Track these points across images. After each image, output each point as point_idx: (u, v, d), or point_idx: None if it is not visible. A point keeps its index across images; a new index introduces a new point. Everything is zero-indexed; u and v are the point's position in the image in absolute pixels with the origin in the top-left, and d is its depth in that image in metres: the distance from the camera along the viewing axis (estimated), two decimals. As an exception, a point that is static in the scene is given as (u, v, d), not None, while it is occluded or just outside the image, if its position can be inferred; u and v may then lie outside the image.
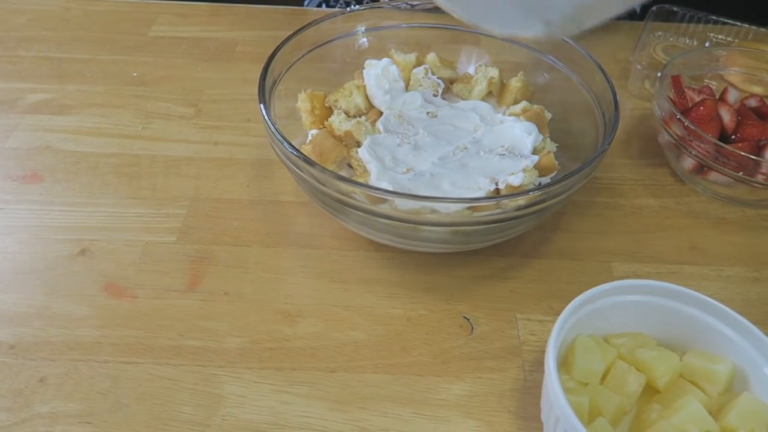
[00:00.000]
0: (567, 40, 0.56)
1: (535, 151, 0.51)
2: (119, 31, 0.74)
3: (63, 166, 0.56)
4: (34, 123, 0.61)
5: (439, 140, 0.51)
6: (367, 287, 0.48)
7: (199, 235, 0.51)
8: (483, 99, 0.57)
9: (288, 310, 0.46)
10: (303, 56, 0.56)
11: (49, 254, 0.49)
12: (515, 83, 0.56)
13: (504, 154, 0.50)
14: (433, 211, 0.42)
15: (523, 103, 0.55)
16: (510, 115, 0.55)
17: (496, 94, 0.58)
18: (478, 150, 0.51)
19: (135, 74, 0.67)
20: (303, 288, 0.47)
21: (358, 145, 0.50)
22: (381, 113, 0.54)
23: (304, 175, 0.45)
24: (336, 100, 0.54)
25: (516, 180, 0.46)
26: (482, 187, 0.47)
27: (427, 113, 0.54)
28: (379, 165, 0.48)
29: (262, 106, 0.48)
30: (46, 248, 0.49)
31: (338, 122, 0.51)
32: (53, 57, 0.69)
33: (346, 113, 0.53)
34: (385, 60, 0.57)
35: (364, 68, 0.56)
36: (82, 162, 0.57)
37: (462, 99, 0.57)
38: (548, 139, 0.53)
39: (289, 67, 0.55)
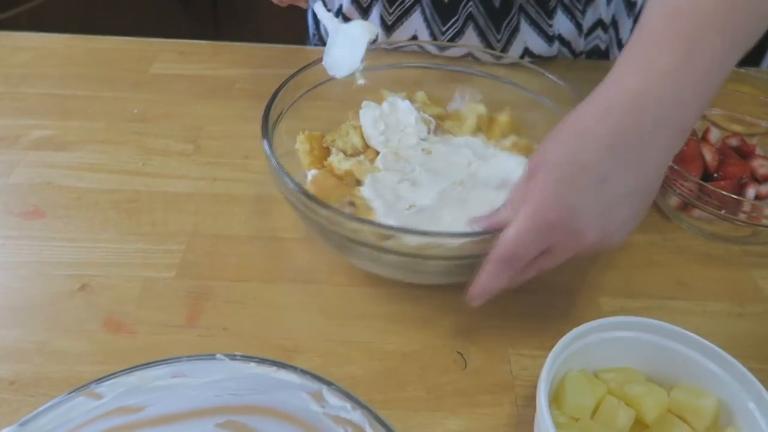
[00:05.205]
0: (555, 78, 0.58)
1: None
2: (121, 69, 0.76)
3: (64, 201, 0.57)
4: (37, 159, 0.62)
5: (436, 176, 0.53)
6: (363, 323, 0.49)
7: (198, 271, 0.52)
8: (472, 134, 0.59)
9: (285, 345, 0.47)
10: (302, 95, 0.58)
11: (49, 290, 0.50)
12: (503, 118, 0.59)
13: (499, 188, 0.52)
14: (439, 245, 0.44)
15: (513, 137, 0.57)
16: (501, 149, 0.57)
17: (484, 129, 0.60)
18: (474, 184, 0.53)
19: (136, 111, 0.69)
20: (300, 323, 0.48)
21: (358, 183, 0.52)
22: (377, 152, 0.56)
23: (312, 215, 0.46)
24: (333, 140, 0.56)
25: None
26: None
27: (422, 150, 0.56)
28: (383, 202, 0.49)
29: (266, 144, 0.49)
30: (46, 284, 0.50)
31: (338, 162, 0.53)
32: (56, 94, 0.71)
33: (343, 152, 0.55)
34: (385, 104, 0.58)
35: (361, 108, 0.58)
36: (83, 198, 0.58)
37: (453, 135, 0.59)
38: None
39: (289, 107, 0.57)
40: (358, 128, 0.56)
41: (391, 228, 0.44)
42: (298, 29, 0.96)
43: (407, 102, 0.59)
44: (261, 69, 0.77)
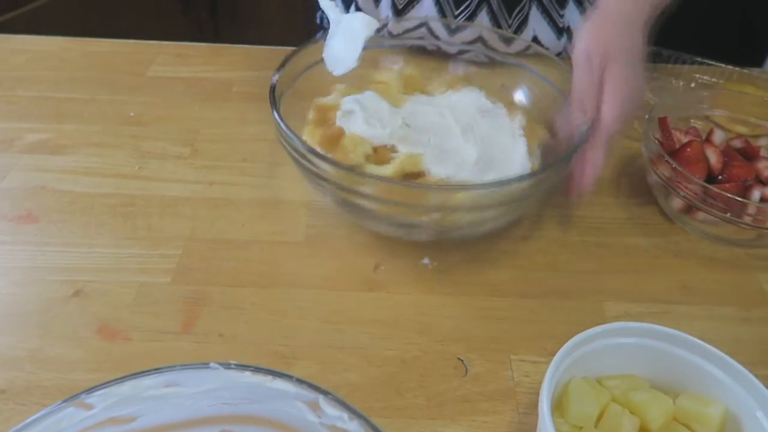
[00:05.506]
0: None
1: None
2: (117, 71, 0.75)
3: (58, 206, 0.57)
4: (31, 163, 0.61)
5: (447, 137, 0.55)
6: (361, 328, 0.48)
7: (194, 276, 0.51)
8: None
9: (283, 351, 0.46)
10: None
11: (43, 296, 0.49)
12: (410, 71, 0.62)
13: (485, 116, 0.58)
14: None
15: (441, 79, 0.62)
16: (443, 94, 0.61)
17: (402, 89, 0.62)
18: (472, 125, 0.57)
19: (132, 114, 0.68)
20: (298, 329, 0.47)
21: (408, 176, 0.52)
22: (385, 146, 0.54)
23: (413, 201, 0.47)
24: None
25: (522, 122, 0.58)
26: (514, 146, 0.56)
27: (406, 126, 0.56)
28: (463, 173, 0.52)
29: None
30: (40, 289, 0.49)
31: (382, 171, 0.52)
32: (52, 97, 0.70)
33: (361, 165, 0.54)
34: (354, 104, 0.56)
35: (338, 118, 0.56)
36: (78, 202, 0.57)
37: (392, 105, 0.59)
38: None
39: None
40: (356, 137, 0.54)
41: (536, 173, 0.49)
42: (297, 32, 0.96)
43: (370, 92, 0.58)
44: (259, 71, 0.76)
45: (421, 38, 0.67)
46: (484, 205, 0.48)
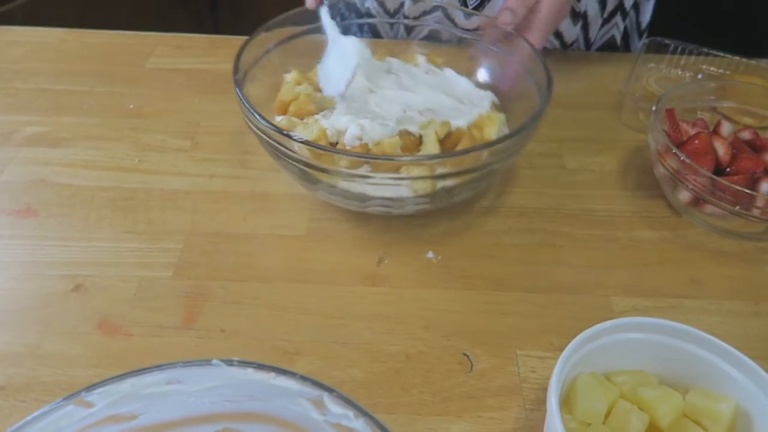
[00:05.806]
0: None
1: None
2: (116, 63, 0.74)
3: (58, 200, 0.56)
4: (30, 156, 0.60)
5: (414, 101, 0.57)
6: (365, 323, 0.47)
7: (196, 271, 0.50)
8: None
9: (285, 347, 0.45)
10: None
11: (42, 291, 0.48)
12: (308, 75, 0.61)
13: (394, 72, 0.61)
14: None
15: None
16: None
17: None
18: (402, 83, 0.58)
19: (132, 106, 0.68)
20: (300, 324, 0.47)
21: (444, 140, 0.54)
22: (409, 135, 0.54)
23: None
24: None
25: (424, 59, 0.63)
26: (450, 77, 0.61)
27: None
28: (474, 112, 0.56)
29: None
30: (39, 284, 0.49)
31: (430, 151, 0.53)
32: (50, 89, 0.69)
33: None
34: (350, 116, 0.54)
35: (354, 138, 0.54)
36: (77, 196, 0.56)
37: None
38: None
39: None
40: (388, 142, 0.52)
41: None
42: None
43: (344, 104, 0.57)
44: (260, 63, 0.75)
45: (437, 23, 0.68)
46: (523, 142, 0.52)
